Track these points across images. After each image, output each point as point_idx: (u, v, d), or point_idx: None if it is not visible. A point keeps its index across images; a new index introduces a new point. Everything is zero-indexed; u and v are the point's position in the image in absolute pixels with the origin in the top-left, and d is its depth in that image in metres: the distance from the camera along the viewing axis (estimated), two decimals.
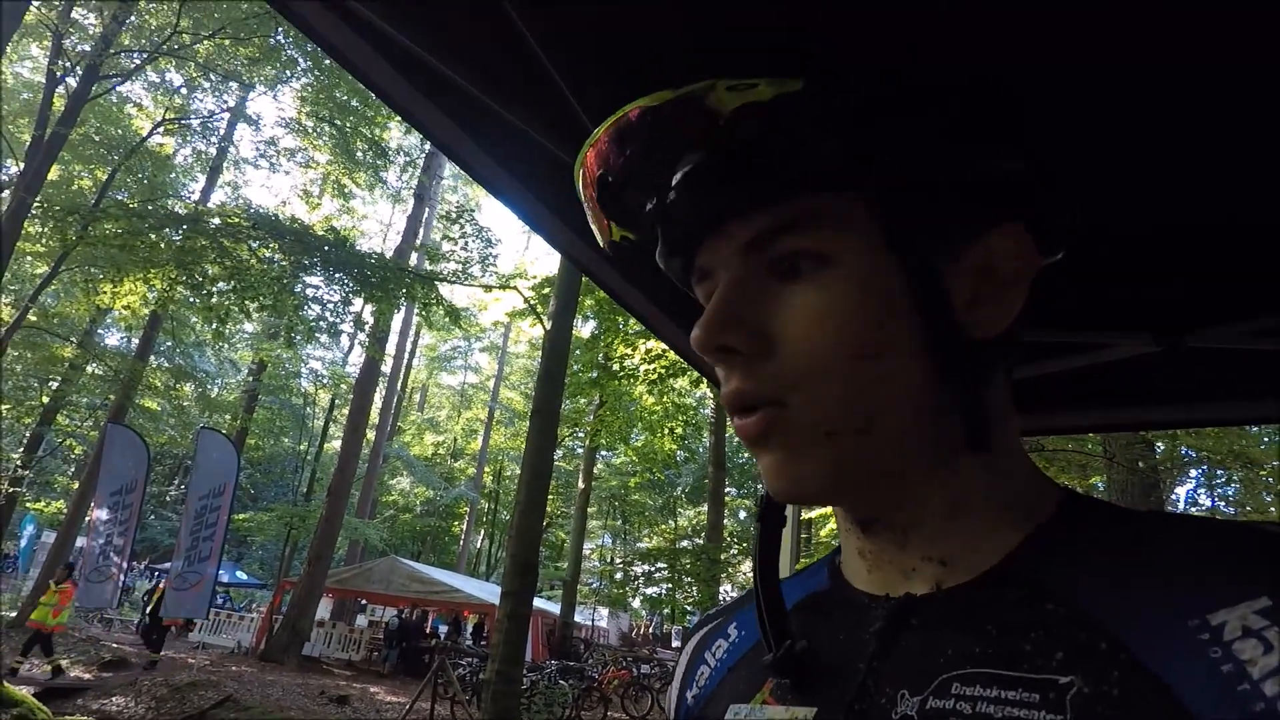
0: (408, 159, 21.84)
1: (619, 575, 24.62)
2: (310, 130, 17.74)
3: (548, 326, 10.11)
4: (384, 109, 15.84)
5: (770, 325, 0.45)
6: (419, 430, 37.41)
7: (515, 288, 13.69)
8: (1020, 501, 0.47)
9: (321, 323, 13.72)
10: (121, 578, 13.86)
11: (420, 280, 13.59)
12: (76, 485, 20.02)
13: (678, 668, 0.64)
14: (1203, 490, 15.71)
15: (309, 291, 13.56)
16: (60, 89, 13.65)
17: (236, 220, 12.50)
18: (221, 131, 20.72)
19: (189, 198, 19.87)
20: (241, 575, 27.43)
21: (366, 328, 18.11)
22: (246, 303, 11.92)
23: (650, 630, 30.17)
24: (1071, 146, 0.61)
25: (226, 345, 26.75)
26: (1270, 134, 0.58)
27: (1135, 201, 0.70)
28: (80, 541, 17.80)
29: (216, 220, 12.65)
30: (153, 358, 20.76)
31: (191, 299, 13.31)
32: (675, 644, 24.67)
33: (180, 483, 30.95)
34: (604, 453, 24.77)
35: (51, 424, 19.98)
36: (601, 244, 0.55)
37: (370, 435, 23.38)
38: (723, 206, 0.47)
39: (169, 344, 22.29)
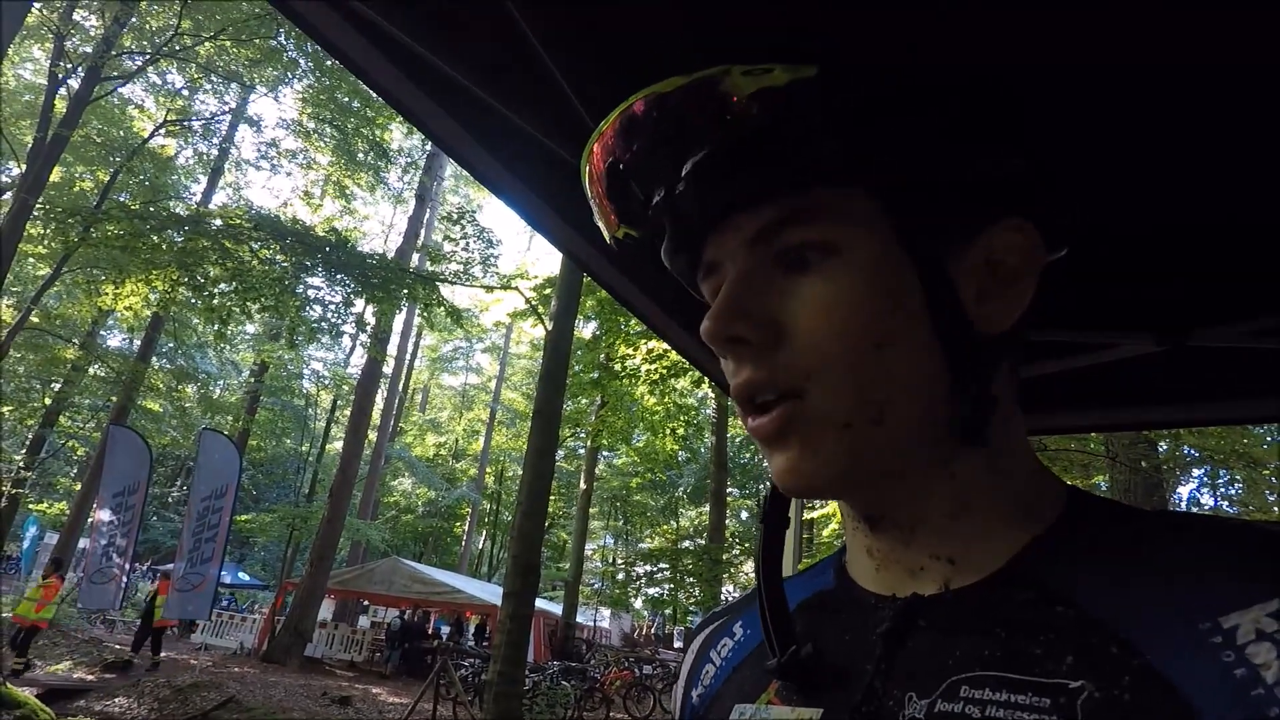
0: (409, 160, 21.90)
1: (621, 576, 24.64)
2: (312, 131, 17.77)
3: (549, 327, 10.11)
4: (385, 110, 15.88)
5: (780, 316, 0.45)
6: (421, 431, 37.45)
7: (516, 288, 13.69)
8: (1025, 499, 0.46)
9: (323, 324, 13.73)
10: (124, 579, 13.84)
11: (422, 281, 13.60)
12: (79, 487, 20.04)
13: (683, 666, 0.64)
14: (1205, 490, 15.68)
15: (311, 293, 13.61)
16: (62, 91, 13.69)
17: (238, 221, 12.51)
18: (223, 133, 20.78)
19: (190, 199, 19.94)
20: (244, 576, 27.45)
21: (368, 329, 18.12)
22: (248, 304, 11.93)
23: (652, 631, 30.12)
24: (1072, 146, 0.61)
25: (228, 346, 26.79)
26: (1270, 134, 0.59)
27: (1135, 201, 0.70)
28: (83, 543, 17.85)
29: (218, 221, 12.67)
30: (155, 359, 20.82)
31: (193, 300, 13.31)
32: (677, 644, 24.64)
33: (182, 484, 31.00)
34: (606, 453, 24.79)
35: (54, 425, 20.01)
36: (607, 239, 0.55)
37: (372, 436, 23.40)
38: (731, 198, 0.46)
39: (171, 345, 22.32)
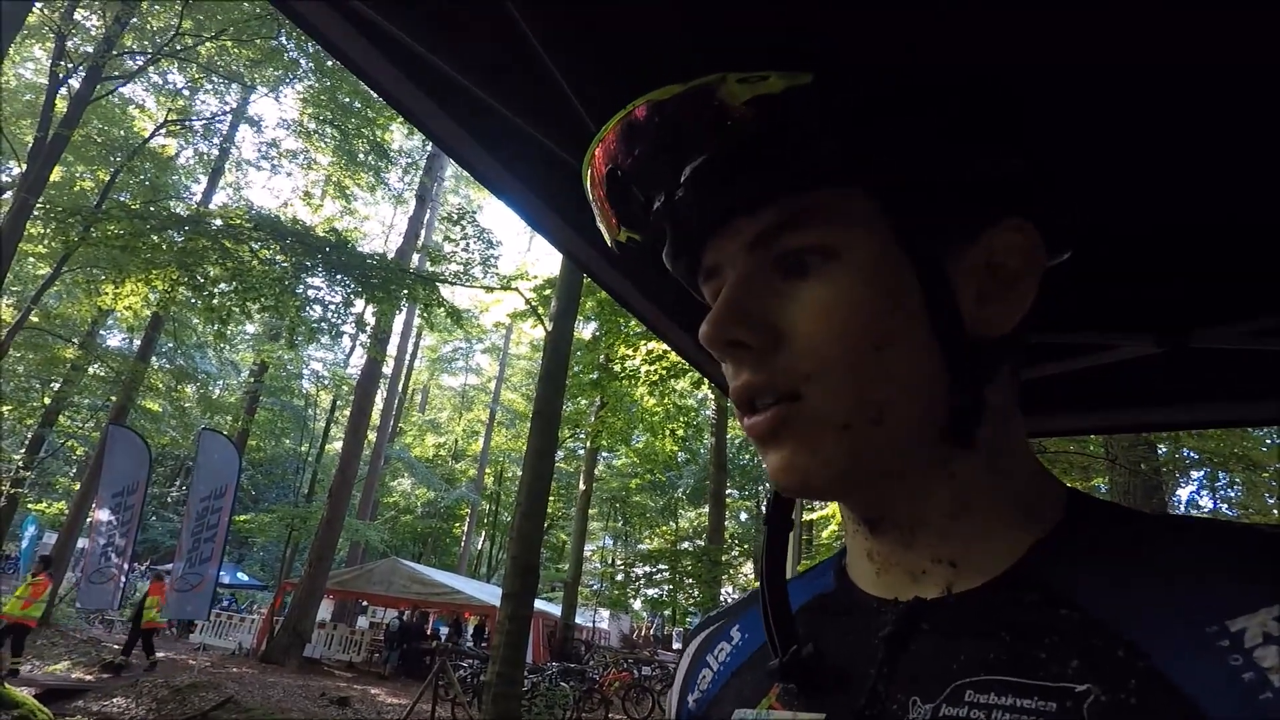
0: (409, 160, 21.90)
1: (620, 577, 24.62)
2: (312, 132, 17.78)
3: (549, 328, 10.11)
4: (386, 110, 15.89)
5: (779, 320, 0.45)
6: (420, 432, 37.45)
7: (516, 289, 13.69)
8: (1026, 500, 0.46)
9: (323, 324, 13.74)
10: (123, 579, 13.82)
11: (421, 281, 13.61)
12: (78, 486, 20.03)
13: (679, 670, 0.63)
14: (1205, 492, 15.68)
15: (310, 293, 13.61)
16: (63, 90, 13.69)
17: (238, 221, 12.52)
18: (223, 133, 20.78)
19: (191, 199, 19.94)
20: (242, 577, 27.44)
21: (368, 329, 18.14)
22: (248, 304, 11.93)
23: (651, 632, 30.11)
24: (1071, 146, 0.61)
25: (228, 346, 26.81)
26: (1270, 134, 0.59)
27: (1135, 201, 0.70)
28: (82, 543, 17.84)
29: (218, 221, 12.68)
30: (154, 359, 20.79)
31: (193, 300, 13.32)
32: (676, 645, 24.62)
33: (181, 484, 30.97)
34: (605, 454, 24.77)
35: (53, 425, 20.00)
36: (609, 242, 0.55)
37: (371, 436, 23.39)
38: (730, 202, 0.47)
39: (170, 345, 22.31)
